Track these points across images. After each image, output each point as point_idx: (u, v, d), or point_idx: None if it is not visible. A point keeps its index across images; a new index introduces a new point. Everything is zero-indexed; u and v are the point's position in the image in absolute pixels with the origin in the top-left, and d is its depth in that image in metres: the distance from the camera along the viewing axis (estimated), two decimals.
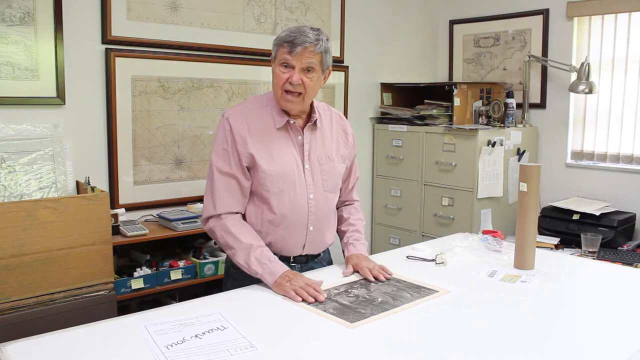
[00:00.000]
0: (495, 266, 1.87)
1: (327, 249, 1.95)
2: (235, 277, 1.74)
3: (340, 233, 1.97)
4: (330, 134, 1.87)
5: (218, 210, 1.73)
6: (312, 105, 1.81)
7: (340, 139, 1.90)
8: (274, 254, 1.77)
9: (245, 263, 1.67)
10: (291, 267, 1.80)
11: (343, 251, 1.93)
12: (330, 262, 1.96)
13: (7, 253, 1.86)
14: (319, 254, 1.90)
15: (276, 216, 1.75)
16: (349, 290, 1.63)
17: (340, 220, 1.98)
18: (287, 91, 1.70)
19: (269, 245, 1.77)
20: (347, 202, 2.01)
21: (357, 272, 1.78)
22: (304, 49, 1.66)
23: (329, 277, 1.73)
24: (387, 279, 1.73)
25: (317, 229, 1.82)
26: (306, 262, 1.85)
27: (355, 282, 1.71)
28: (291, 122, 1.76)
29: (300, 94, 1.70)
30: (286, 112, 1.76)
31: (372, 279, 1.72)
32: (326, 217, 1.85)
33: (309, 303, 1.52)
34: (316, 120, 1.80)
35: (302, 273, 1.79)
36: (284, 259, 1.79)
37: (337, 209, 1.98)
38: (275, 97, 1.75)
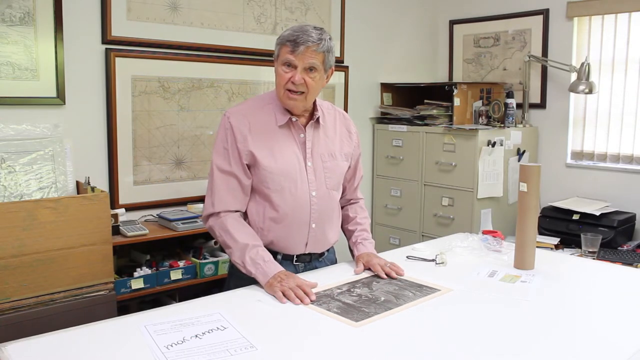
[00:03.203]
0: (495, 266, 1.87)
1: (332, 248, 1.94)
2: (239, 276, 1.73)
3: (348, 232, 1.97)
4: (333, 132, 1.87)
5: (217, 208, 1.74)
6: (314, 103, 1.82)
7: (344, 137, 1.90)
8: (277, 252, 1.77)
9: (241, 262, 1.68)
10: (295, 266, 1.81)
11: (351, 250, 1.93)
12: (334, 262, 1.95)
13: (7, 253, 1.86)
14: (323, 253, 1.89)
15: (278, 214, 1.75)
16: (352, 290, 1.63)
17: (347, 219, 1.98)
18: (289, 90, 1.70)
19: (271, 243, 1.77)
20: (352, 201, 2.02)
21: (369, 269, 1.79)
22: (307, 48, 1.66)
23: (332, 277, 1.73)
24: (400, 275, 1.75)
25: (320, 227, 1.81)
26: (310, 261, 1.85)
27: (357, 281, 1.71)
28: (293, 119, 1.76)
29: (302, 92, 1.70)
30: (289, 111, 1.77)
31: (384, 276, 1.73)
32: (329, 215, 1.84)
33: (296, 304, 1.51)
34: (318, 117, 1.80)
35: (306, 272, 1.80)
36: (287, 257, 1.79)
37: (342, 207, 1.98)
38: (278, 95, 1.75)
